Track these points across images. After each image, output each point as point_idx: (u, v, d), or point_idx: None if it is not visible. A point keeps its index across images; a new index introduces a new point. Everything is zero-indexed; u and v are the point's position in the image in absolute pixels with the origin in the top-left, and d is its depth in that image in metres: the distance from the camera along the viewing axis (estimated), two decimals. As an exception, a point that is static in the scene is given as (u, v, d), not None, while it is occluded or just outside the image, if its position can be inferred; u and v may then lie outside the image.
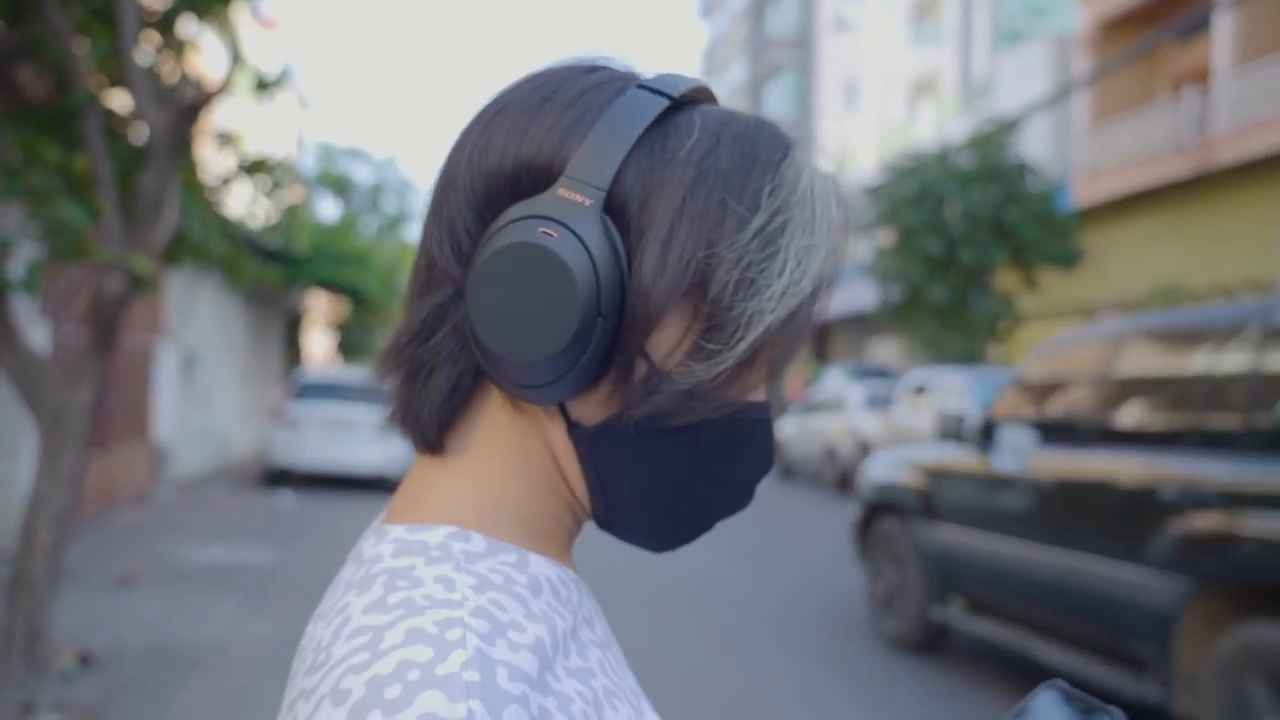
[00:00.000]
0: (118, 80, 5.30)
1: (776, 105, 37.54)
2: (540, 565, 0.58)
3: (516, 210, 0.54)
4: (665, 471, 0.59)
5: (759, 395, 0.61)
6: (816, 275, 0.58)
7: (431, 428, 0.59)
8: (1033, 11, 34.09)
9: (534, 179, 0.55)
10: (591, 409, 0.57)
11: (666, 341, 0.56)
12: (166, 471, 12.16)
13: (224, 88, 4.49)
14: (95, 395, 4.52)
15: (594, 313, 0.53)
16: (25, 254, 5.22)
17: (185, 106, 4.33)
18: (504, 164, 0.56)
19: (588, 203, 0.53)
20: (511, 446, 0.59)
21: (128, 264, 4.32)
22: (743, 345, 0.55)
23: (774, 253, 0.56)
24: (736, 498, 0.62)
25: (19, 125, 4.71)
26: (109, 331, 4.49)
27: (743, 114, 0.60)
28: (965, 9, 35.94)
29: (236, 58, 4.64)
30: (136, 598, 6.43)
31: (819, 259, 0.58)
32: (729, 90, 43.33)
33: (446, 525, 0.57)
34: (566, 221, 0.53)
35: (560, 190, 0.54)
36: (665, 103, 0.57)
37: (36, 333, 7.91)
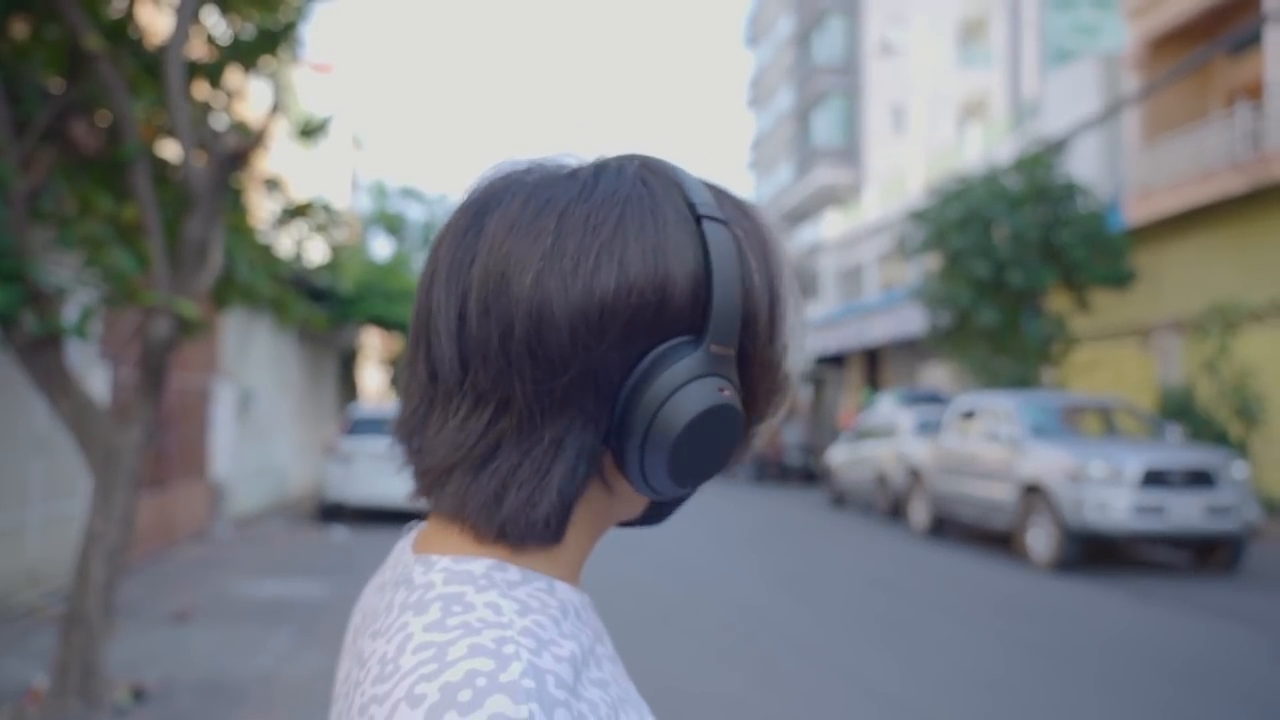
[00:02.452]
0: (166, 131, 5.51)
1: (824, 132, 37.47)
2: (565, 592, 0.66)
3: (683, 366, 0.63)
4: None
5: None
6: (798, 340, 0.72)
7: (554, 523, 0.64)
8: (1082, 30, 33.73)
9: (653, 313, 0.62)
10: None
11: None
12: (224, 509, 12.41)
13: (263, 136, 4.65)
14: (146, 435, 4.67)
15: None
16: (79, 300, 5.42)
17: (227, 155, 4.49)
18: (608, 293, 0.61)
19: (731, 353, 0.65)
20: (586, 515, 0.68)
21: (174, 308, 4.48)
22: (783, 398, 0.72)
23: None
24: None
25: (74, 177, 4.92)
26: (158, 373, 4.65)
27: (735, 202, 0.71)
28: (1013, 30, 35.69)
29: (276, 106, 4.79)
30: (191, 632, 6.57)
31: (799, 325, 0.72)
32: (776, 118, 43.36)
33: (487, 558, 0.64)
34: (729, 378, 0.65)
35: (713, 347, 0.64)
36: (732, 234, 0.66)
37: (96, 376, 8.17)
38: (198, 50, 5.88)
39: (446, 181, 71.11)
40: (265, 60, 6.09)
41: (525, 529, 0.64)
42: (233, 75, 6.12)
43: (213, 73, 5.95)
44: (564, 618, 0.64)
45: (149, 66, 5.54)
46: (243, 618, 7.09)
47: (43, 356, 4.55)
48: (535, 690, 0.55)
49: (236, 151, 4.49)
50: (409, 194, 28.38)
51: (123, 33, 5.41)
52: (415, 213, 28.31)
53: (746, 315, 0.66)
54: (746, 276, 0.66)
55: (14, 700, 4.78)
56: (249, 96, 6.57)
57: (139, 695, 4.93)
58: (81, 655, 4.48)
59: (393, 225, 27.75)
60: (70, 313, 5.10)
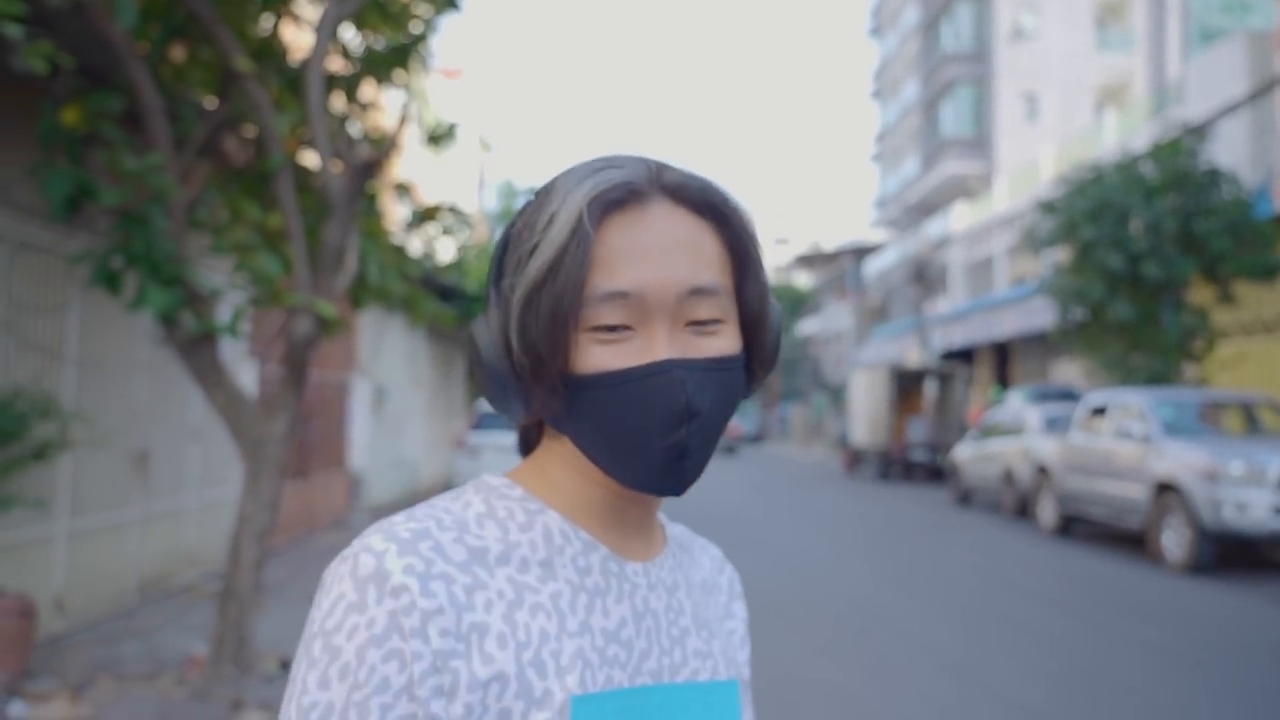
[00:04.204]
0: (307, 142, 5.91)
1: (952, 122, 36.60)
2: (554, 519, 0.79)
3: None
4: (594, 431, 0.76)
5: (585, 368, 0.74)
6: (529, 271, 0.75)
7: (523, 449, 0.87)
8: (1231, 8, 32.04)
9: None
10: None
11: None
12: (361, 498, 13.05)
13: (394, 145, 4.96)
14: (290, 425, 5.05)
15: None
16: (231, 301, 5.86)
17: (361, 164, 4.82)
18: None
19: (492, 292, 0.82)
20: (552, 447, 0.82)
21: (315, 308, 4.83)
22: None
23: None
24: (652, 443, 0.74)
25: (225, 188, 5.34)
26: (300, 369, 5.02)
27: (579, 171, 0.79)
28: (1156, 10, 34.14)
29: (405, 116, 5.10)
30: (331, 612, 7.00)
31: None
32: (902, 109, 42.55)
33: (510, 480, 0.81)
34: (491, 309, 0.81)
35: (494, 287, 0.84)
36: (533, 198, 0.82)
37: (244, 371, 8.75)
38: (335, 65, 6.27)
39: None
40: (397, 72, 6.46)
41: (522, 453, 0.86)
42: (367, 87, 6.50)
43: (349, 86, 6.34)
44: (519, 531, 0.77)
45: (291, 82, 5.95)
46: (378, 600, 7.50)
47: (200, 353, 4.97)
48: (404, 538, 0.71)
49: (370, 161, 4.81)
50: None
51: (268, 51, 5.82)
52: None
53: (498, 257, 0.79)
54: (510, 227, 0.78)
55: (178, 666, 5.24)
56: (383, 107, 6.95)
57: (285, 666, 5.33)
58: (235, 627, 4.88)
59: (519, 225, 28.47)
60: (223, 313, 5.54)
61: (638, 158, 0.77)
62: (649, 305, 0.73)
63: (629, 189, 0.74)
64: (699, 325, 0.75)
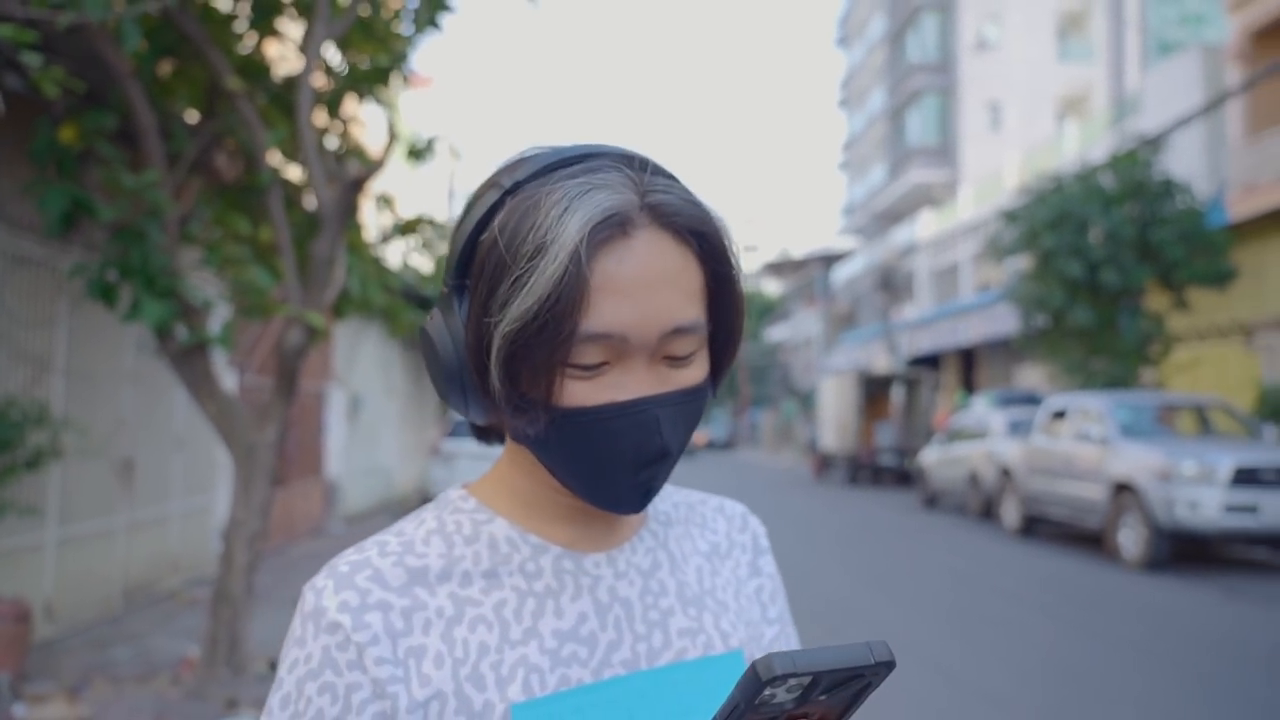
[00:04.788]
0: (293, 157, 6.08)
1: (918, 131, 37.15)
2: (501, 527, 0.80)
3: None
4: (565, 458, 0.76)
5: (562, 401, 0.73)
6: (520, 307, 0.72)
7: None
8: (1187, 21, 32.79)
9: None
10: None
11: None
12: (337, 506, 13.16)
13: (383, 162, 5.16)
14: (280, 433, 5.22)
15: None
16: (220, 314, 6.02)
17: (350, 181, 5.01)
18: None
19: (448, 290, 0.81)
20: (514, 454, 0.83)
21: (305, 319, 5.01)
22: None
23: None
24: (620, 477, 0.75)
25: (215, 203, 5.50)
26: (291, 378, 5.19)
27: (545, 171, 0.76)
28: (1115, 23, 34.87)
29: (394, 135, 5.30)
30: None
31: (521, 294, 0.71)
32: (869, 118, 43.11)
33: (466, 492, 0.83)
34: (446, 309, 0.81)
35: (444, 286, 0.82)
36: (498, 199, 0.77)
37: (225, 380, 8.87)
38: (318, 81, 6.44)
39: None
40: (379, 89, 6.64)
41: (481, 441, 0.86)
42: (349, 103, 6.68)
43: (331, 102, 6.52)
44: (464, 543, 0.79)
45: (275, 98, 6.12)
46: (360, 604, 7.66)
47: (192, 363, 5.13)
48: (342, 573, 0.74)
49: (359, 178, 5.00)
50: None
51: (253, 69, 5.99)
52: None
53: (463, 260, 0.75)
54: (483, 231, 0.74)
55: (171, 668, 5.39)
56: (364, 122, 7.13)
57: (275, 667, 5.48)
58: (229, 629, 5.04)
59: (490, 234, 28.58)
60: (213, 324, 5.69)
61: (620, 164, 0.74)
62: (630, 345, 0.72)
63: (618, 220, 0.70)
64: (675, 360, 0.75)
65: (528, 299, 0.69)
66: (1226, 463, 9.38)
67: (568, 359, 0.71)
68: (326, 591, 0.74)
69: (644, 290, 0.71)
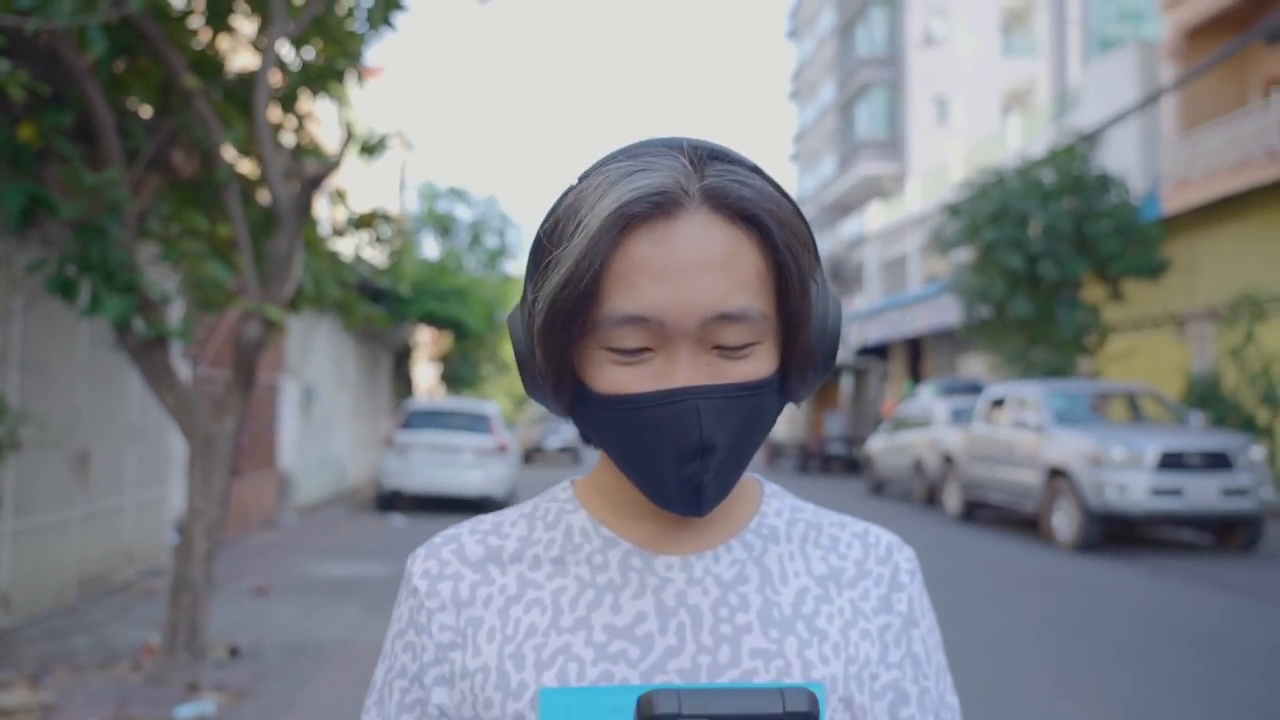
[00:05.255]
0: (249, 153, 6.18)
1: (867, 124, 37.63)
2: (580, 519, 0.82)
3: None
4: (611, 449, 0.77)
5: (602, 387, 0.74)
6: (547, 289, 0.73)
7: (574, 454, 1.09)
8: (1126, 18, 33.60)
9: None
10: None
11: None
12: (290, 497, 13.20)
13: (339, 160, 5.29)
14: (238, 425, 5.35)
15: None
16: (177, 308, 6.11)
17: (308, 179, 5.14)
18: None
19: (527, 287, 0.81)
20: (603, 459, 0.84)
21: (264, 313, 5.14)
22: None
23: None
24: (665, 471, 0.73)
25: (172, 199, 5.60)
26: (249, 370, 5.32)
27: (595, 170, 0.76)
28: (1058, 19, 35.61)
29: (350, 134, 5.43)
30: (271, 605, 7.27)
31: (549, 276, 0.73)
32: (819, 110, 43.57)
33: (571, 483, 0.86)
34: (522, 303, 0.81)
35: None
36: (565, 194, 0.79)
37: (179, 372, 8.92)
38: (273, 79, 6.53)
39: (493, 181, 71.86)
40: (333, 85, 6.75)
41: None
42: (303, 100, 6.78)
43: (285, 99, 6.61)
44: (545, 529, 0.82)
45: (229, 94, 6.21)
46: (316, 593, 7.79)
47: (151, 357, 5.23)
48: (434, 544, 0.82)
49: (316, 176, 5.14)
50: (457, 195, 29.20)
51: (207, 65, 6.07)
52: (463, 213, 29.11)
53: (532, 253, 0.76)
54: (545, 220, 0.76)
55: (132, 655, 5.50)
56: (318, 118, 7.23)
57: (234, 653, 5.62)
58: (188, 616, 5.17)
59: (443, 225, 28.58)
60: (171, 318, 5.78)
61: (676, 150, 0.73)
62: (669, 330, 0.70)
63: (658, 200, 0.69)
64: (727, 350, 0.72)
65: (556, 274, 0.71)
66: (1153, 448, 9.81)
67: (607, 342, 0.72)
68: (418, 559, 0.82)
69: (684, 274, 0.69)
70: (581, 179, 0.75)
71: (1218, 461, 9.79)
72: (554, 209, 0.75)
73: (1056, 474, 10.59)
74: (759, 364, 0.73)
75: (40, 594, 6.62)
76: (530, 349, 0.76)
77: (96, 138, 5.07)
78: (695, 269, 0.70)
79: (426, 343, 26.45)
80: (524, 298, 0.77)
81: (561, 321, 0.72)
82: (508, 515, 0.85)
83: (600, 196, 0.70)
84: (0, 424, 5.37)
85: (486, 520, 0.84)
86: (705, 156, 0.73)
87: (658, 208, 0.70)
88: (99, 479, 7.45)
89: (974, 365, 23.98)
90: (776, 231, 0.72)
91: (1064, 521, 10.40)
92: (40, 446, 6.29)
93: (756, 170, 0.74)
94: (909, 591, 0.84)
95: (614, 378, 0.72)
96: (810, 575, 0.82)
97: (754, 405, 0.73)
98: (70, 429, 6.90)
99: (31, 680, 4.96)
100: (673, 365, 0.71)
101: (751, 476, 0.87)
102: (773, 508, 0.85)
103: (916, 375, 27.74)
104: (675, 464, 0.72)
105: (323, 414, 15.34)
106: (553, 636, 0.76)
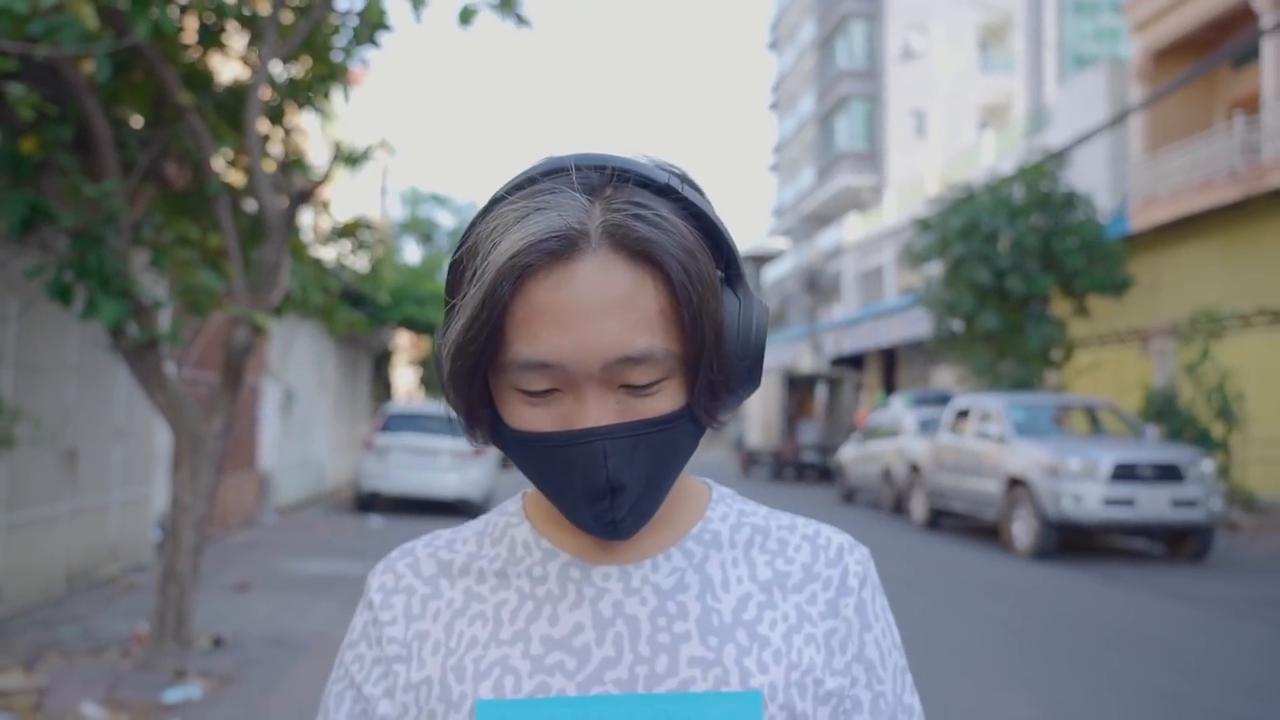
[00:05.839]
0: (237, 163, 6.45)
1: (846, 137, 38.10)
2: (523, 531, 0.83)
3: None
4: (531, 478, 0.78)
5: (514, 423, 0.74)
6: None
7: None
8: (1102, 36, 34.24)
9: None
10: None
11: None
12: (270, 497, 13.42)
13: (328, 175, 5.57)
14: (226, 424, 5.61)
15: None
16: (167, 313, 6.36)
17: (296, 193, 5.42)
18: None
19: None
20: None
21: (252, 319, 5.41)
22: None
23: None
24: (579, 505, 0.74)
25: (166, 210, 5.86)
26: (237, 373, 5.58)
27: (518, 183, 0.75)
28: (1034, 36, 36.24)
29: (338, 151, 5.71)
30: (252, 599, 7.52)
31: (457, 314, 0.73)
32: (799, 121, 44.03)
33: (523, 496, 0.87)
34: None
35: None
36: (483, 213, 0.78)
37: (170, 373, 9.15)
38: (262, 93, 6.80)
39: (474, 188, 72.11)
40: (319, 98, 7.02)
41: None
42: (289, 112, 7.04)
43: (274, 112, 6.88)
44: (490, 544, 0.83)
45: (219, 107, 6.47)
46: (295, 589, 8.04)
47: (143, 359, 5.49)
48: (392, 558, 0.84)
49: (305, 190, 5.41)
50: (439, 201, 29.46)
51: (198, 79, 6.33)
52: (445, 219, 29.36)
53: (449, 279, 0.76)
54: (454, 254, 0.76)
55: (120, 644, 5.74)
56: (305, 130, 7.50)
57: (218, 643, 5.87)
58: (176, 606, 5.42)
59: (424, 231, 28.81)
60: (162, 323, 6.04)
61: (579, 179, 0.72)
62: (571, 374, 0.70)
63: (554, 246, 0.69)
64: (635, 389, 0.72)
65: (458, 322, 0.72)
66: (1107, 460, 10.19)
67: (514, 384, 0.72)
68: (376, 574, 0.84)
69: (582, 318, 0.69)
70: (484, 212, 0.75)
71: (1169, 473, 10.18)
72: (459, 244, 0.76)
73: (1016, 483, 10.96)
74: (668, 399, 0.73)
75: (29, 586, 6.84)
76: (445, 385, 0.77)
77: (94, 150, 5.33)
78: (596, 312, 0.69)
79: (406, 347, 26.66)
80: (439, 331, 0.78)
81: (468, 367, 0.73)
82: (463, 531, 0.86)
83: (494, 244, 0.70)
84: (-3, 422, 5.62)
85: (443, 535, 0.86)
86: (609, 182, 0.72)
87: (553, 255, 0.69)
88: (86, 476, 7.68)
89: (945, 377, 24.41)
90: (676, 271, 0.71)
91: (1022, 530, 10.77)
92: (35, 444, 6.53)
93: (666, 189, 0.73)
94: (859, 595, 0.83)
95: (524, 416, 0.73)
96: (754, 581, 0.81)
97: (665, 439, 0.74)
98: (60, 427, 7.13)
99: (26, 665, 5.20)
100: (580, 406, 0.71)
101: (701, 481, 0.87)
102: (719, 513, 0.85)
103: (890, 386, 28.18)
104: (586, 501, 0.73)
105: (303, 416, 15.55)
106: (492, 649, 0.77)
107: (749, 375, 0.77)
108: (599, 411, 0.71)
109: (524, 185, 0.73)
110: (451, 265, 0.75)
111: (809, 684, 0.77)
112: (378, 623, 0.81)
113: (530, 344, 0.70)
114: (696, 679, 0.75)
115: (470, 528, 0.86)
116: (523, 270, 0.69)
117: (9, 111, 4.95)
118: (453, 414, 0.78)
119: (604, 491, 0.72)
